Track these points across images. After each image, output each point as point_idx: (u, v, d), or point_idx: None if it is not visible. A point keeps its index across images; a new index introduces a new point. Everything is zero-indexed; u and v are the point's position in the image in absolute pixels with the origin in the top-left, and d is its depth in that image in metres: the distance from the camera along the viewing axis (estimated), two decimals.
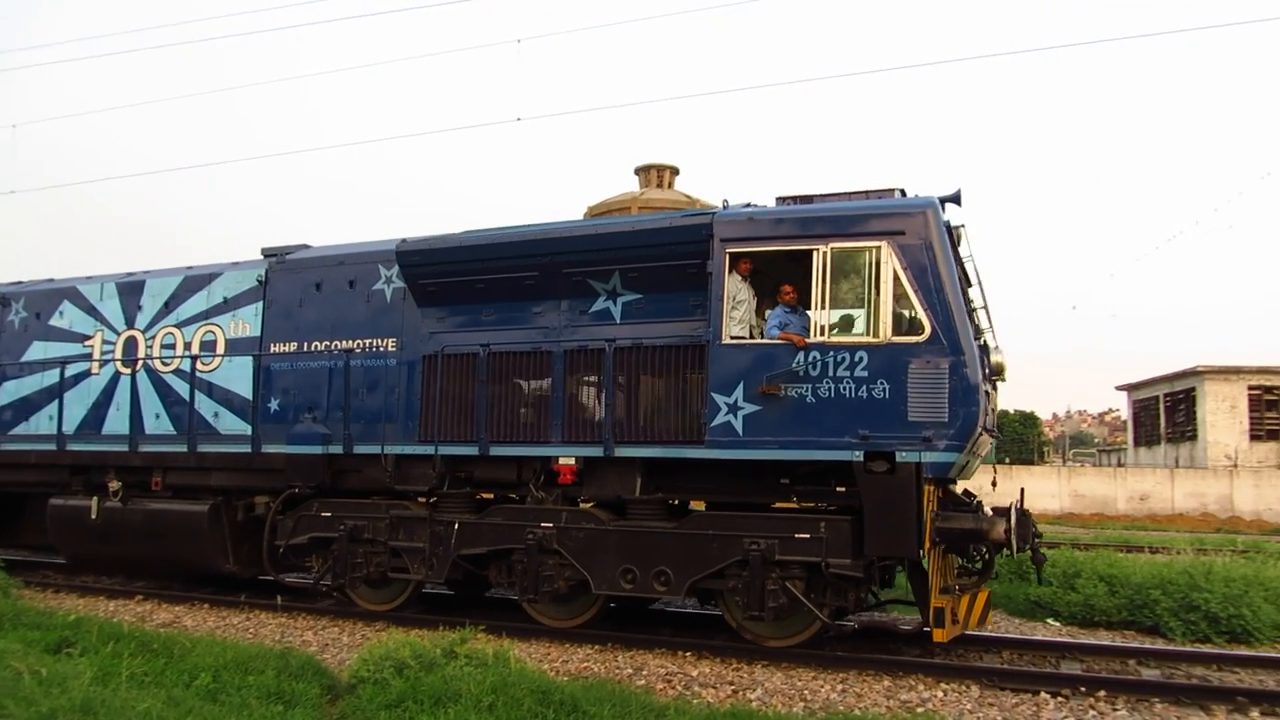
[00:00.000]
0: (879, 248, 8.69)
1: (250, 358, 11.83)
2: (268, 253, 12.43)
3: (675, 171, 39.21)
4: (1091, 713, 7.51)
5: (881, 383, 8.52)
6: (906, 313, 8.57)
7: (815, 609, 8.81)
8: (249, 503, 11.81)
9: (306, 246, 12.41)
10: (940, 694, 7.99)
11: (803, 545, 8.75)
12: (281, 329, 11.80)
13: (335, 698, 7.41)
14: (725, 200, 9.71)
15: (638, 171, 38.93)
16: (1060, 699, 7.85)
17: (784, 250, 9.15)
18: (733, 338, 9.11)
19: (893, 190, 9.36)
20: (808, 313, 9.20)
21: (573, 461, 9.78)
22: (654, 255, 9.63)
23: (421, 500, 10.85)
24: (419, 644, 7.75)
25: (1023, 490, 9.47)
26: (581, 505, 9.97)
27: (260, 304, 12.04)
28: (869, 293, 8.71)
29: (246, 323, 12.15)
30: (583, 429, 9.87)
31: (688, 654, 9.31)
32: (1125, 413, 54.14)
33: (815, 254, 8.91)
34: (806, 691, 8.10)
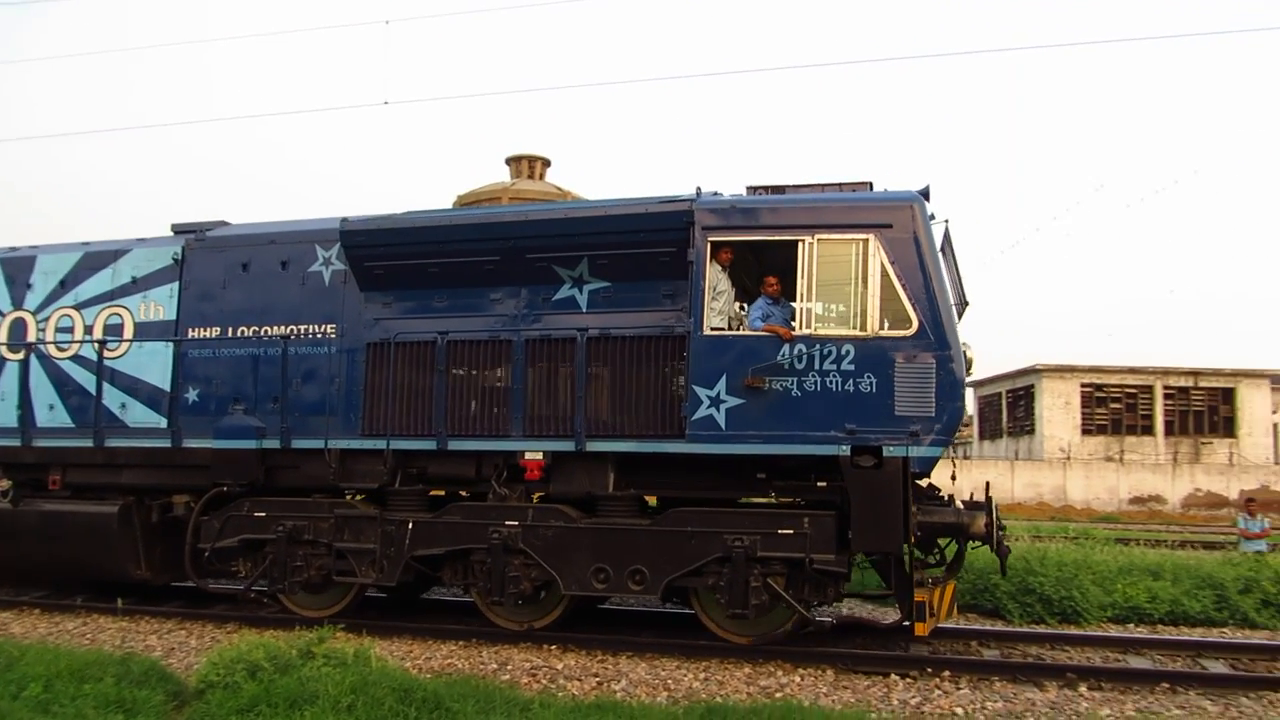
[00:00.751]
0: (866, 241, 8.59)
1: (165, 344, 10.83)
2: (180, 229, 11.41)
3: (547, 163, 38.88)
4: (937, 692, 7.94)
5: (868, 376, 8.43)
6: (893, 307, 8.50)
7: (798, 605, 8.66)
8: (166, 503, 10.81)
9: (225, 223, 11.46)
10: (798, 679, 8.29)
11: (786, 541, 8.59)
12: (202, 313, 10.84)
13: (182, 704, 7.16)
14: (699, 188, 9.44)
15: (509, 161, 38.48)
16: (909, 680, 8.26)
17: (768, 240, 8.96)
18: (713, 329, 8.85)
19: (867, 183, 9.30)
20: (790, 304, 9.05)
21: (540, 457, 9.32)
22: (627, 241, 9.27)
23: (360, 497, 10.19)
24: (274, 645, 7.49)
25: (988, 484, 9.59)
26: (536, 499, 9.55)
27: (175, 285, 11.02)
28: (856, 286, 8.60)
29: (159, 305, 11.11)
30: (548, 423, 9.43)
31: (553, 647, 9.31)
32: (971, 408, 57.02)
33: (801, 245, 8.74)
34: (670, 681, 8.22)
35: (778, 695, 7.76)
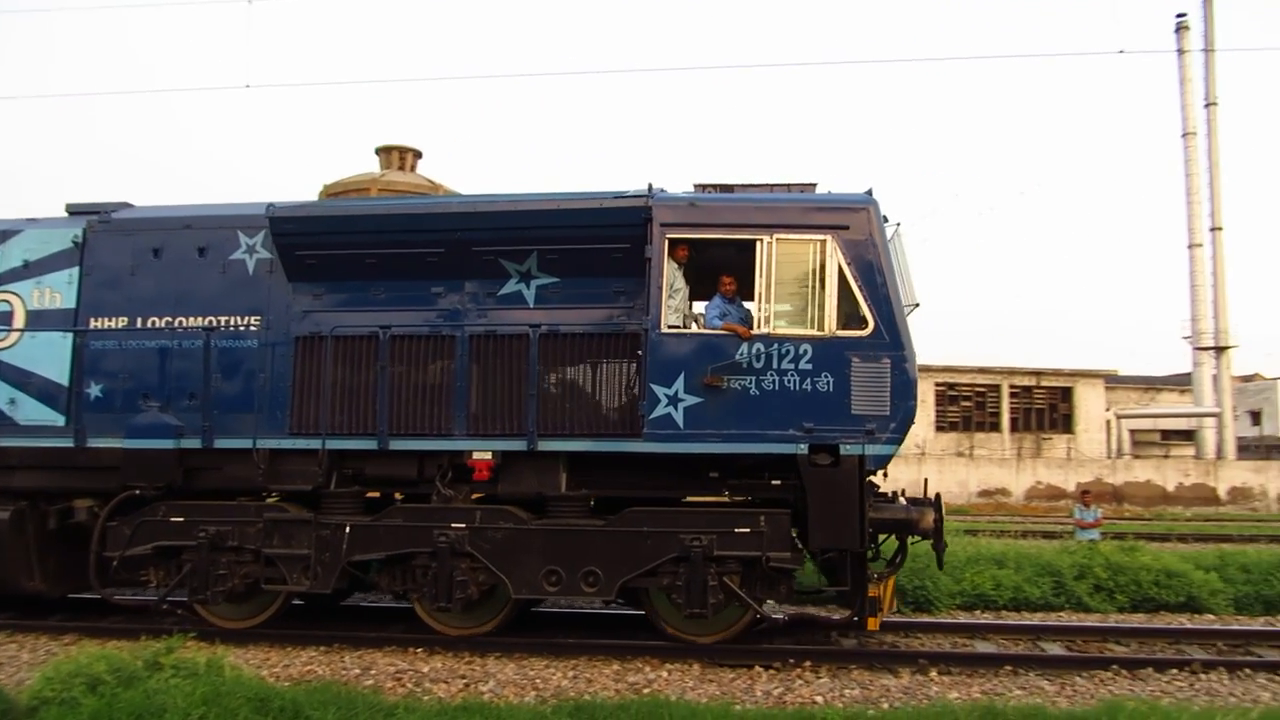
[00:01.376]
0: (824, 241, 8.71)
1: (63, 334, 9.96)
2: (77, 210, 10.54)
3: (418, 155, 38.14)
4: (799, 682, 8.23)
5: (825, 376, 8.56)
6: (850, 307, 8.65)
7: (754, 603, 8.73)
8: (65, 507, 9.93)
9: (128, 205, 10.65)
10: (665, 674, 8.45)
11: (743, 540, 8.62)
12: (106, 301, 10.02)
13: None
14: (650, 184, 9.36)
15: (379, 152, 37.57)
16: (773, 671, 8.52)
17: (726, 239, 8.94)
18: (671, 327, 8.80)
19: (812, 184, 9.45)
20: (745, 304, 9.09)
21: (489, 456, 9.05)
22: (580, 237, 9.10)
23: (274, 499, 9.67)
24: (117, 656, 7.15)
25: (926, 480, 9.90)
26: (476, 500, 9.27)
27: (76, 270, 10.14)
28: (813, 286, 8.71)
29: (56, 292, 10.20)
30: (493, 421, 9.16)
31: (419, 650, 9.17)
32: None
33: (759, 244, 8.78)
34: (539, 680, 8.24)
35: (645, 691, 7.87)
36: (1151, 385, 58.68)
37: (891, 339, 8.55)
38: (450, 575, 8.84)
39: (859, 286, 8.62)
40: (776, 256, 8.74)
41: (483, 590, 9.05)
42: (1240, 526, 28.78)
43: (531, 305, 9.38)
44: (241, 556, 9.32)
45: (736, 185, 9.52)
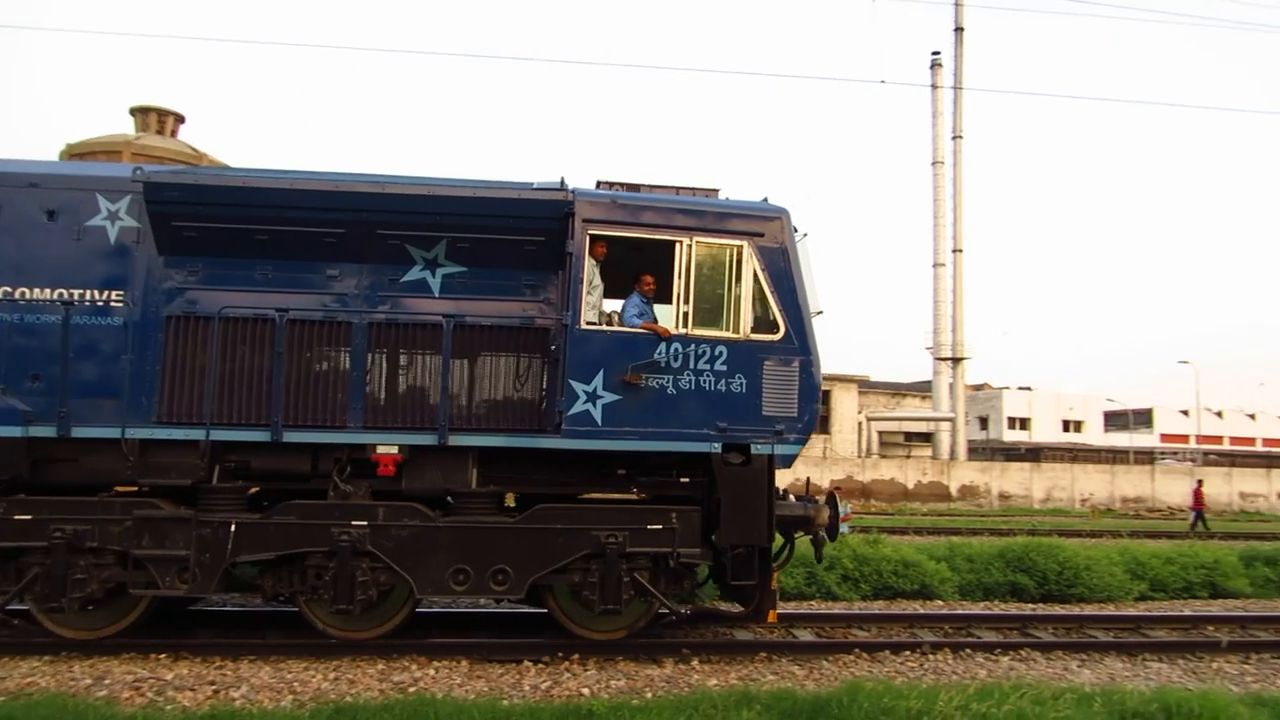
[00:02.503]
0: (741, 247, 9.00)
1: None
2: None
3: (180, 119, 35.54)
4: (567, 675, 8.42)
5: (739, 377, 8.85)
6: (762, 312, 8.99)
7: (665, 599, 8.88)
8: None
9: None
10: (433, 672, 8.36)
11: (654, 536, 8.76)
12: None
13: None
14: (563, 177, 9.30)
15: (134, 112, 34.76)
16: (541, 665, 8.69)
17: (646, 238, 9.02)
18: (589, 324, 8.78)
19: (716, 190, 9.72)
20: (657, 306, 9.22)
21: (395, 451, 8.65)
22: (496, 227, 8.89)
23: (119, 493, 8.78)
24: None
25: (809, 480, 10.44)
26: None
27: None
28: (729, 289, 8.98)
29: None
30: (394, 414, 8.79)
31: (162, 656, 8.60)
32: None
33: (679, 246, 8.94)
34: (297, 684, 7.95)
35: (411, 690, 7.75)
36: (898, 391, 64.06)
37: (800, 344, 8.97)
38: (353, 576, 8.38)
39: (771, 292, 8.97)
40: (695, 258, 8.93)
41: (383, 591, 8.65)
42: (968, 521, 32.50)
43: (437, 294, 9.06)
44: (102, 559, 8.37)
45: (642, 185, 9.61)
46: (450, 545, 8.58)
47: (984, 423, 72.64)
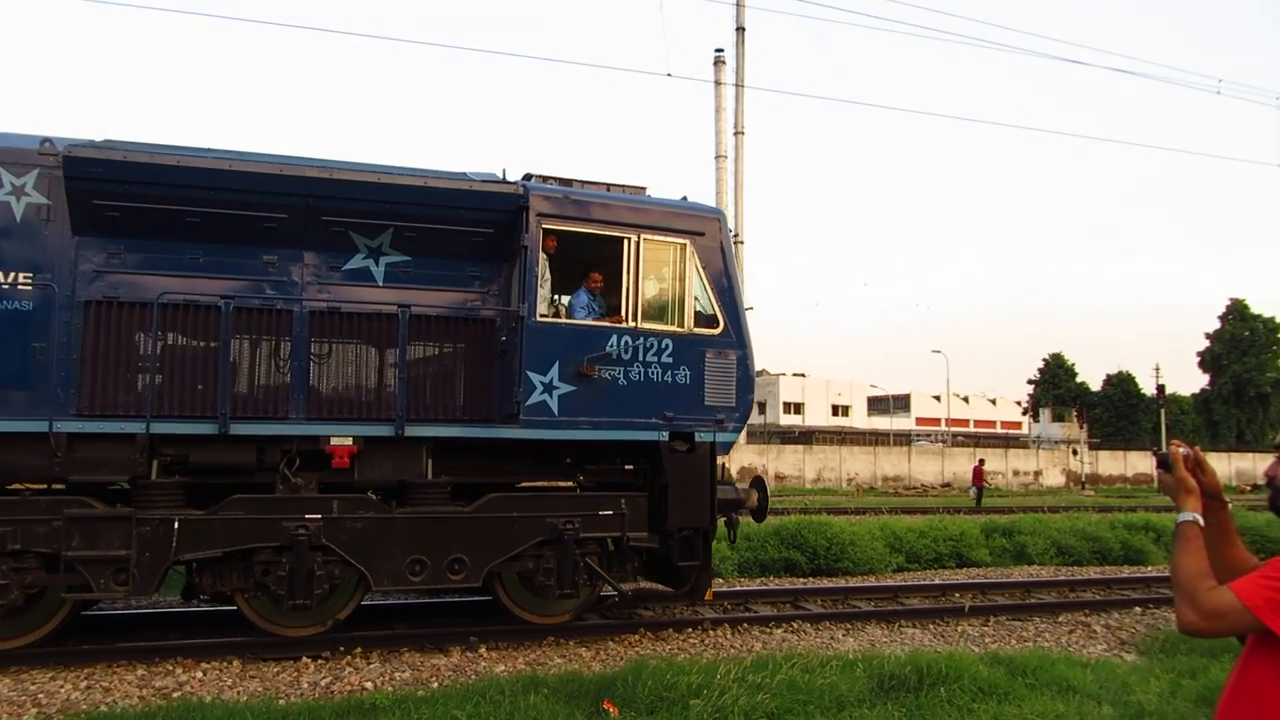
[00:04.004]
0: (684, 245, 9.44)
1: None
2: None
3: None
4: (349, 669, 8.08)
5: (684, 369, 9.32)
6: (704, 307, 9.48)
7: (613, 581, 9.22)
8: None
9: None
10: (200, 674, 7.82)
11: (605, 522, 9.08)
12: None
13: None
14: (529, 173, 9.42)
15: None
16: (320, 661, 8.29)
17: (596, 234, 9.26)
18: (542, 316, 8.95)
19: (643, 188, 10.12)
20: (598, 294, 9.50)
21: (350, 442, 8.47)
22: (444, 217, 8.88)
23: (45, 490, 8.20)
24: None
25: (724, 466, 11.02)
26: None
27: None
28: (674, 285, 9.40)
29: None
30: (344, 404, 8.63)
31: None
32: None
33: (627, 242, 9.26)
34: (42, 695, 7.20)
35: (175, 695, 7.21)
36: None
37: (738, 338, 9.55)
38: (310, 571, 8.17)
39: (711, 289, 9.49)
40: (643, 255, 9.29)
41: (334, 585, 8.48)
42: None
43: (380, 283, 8.95)
44: (24, 563, 7.71)
45: (574, 180, 9.83)
46: (407, 536, 8.53)
47: (762, 408, 76.63)
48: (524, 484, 9.63)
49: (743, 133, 42.96)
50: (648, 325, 9.23)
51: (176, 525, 7.96)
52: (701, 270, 9.46)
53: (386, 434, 8.54)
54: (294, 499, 8.35)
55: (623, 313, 9.23)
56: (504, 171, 9.49)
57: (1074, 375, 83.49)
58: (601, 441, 9.23)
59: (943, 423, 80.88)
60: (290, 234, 8.61)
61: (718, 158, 51.85)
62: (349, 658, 8.40)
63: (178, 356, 8.22)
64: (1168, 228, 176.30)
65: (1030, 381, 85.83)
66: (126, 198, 8.12)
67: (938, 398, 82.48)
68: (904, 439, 72.06)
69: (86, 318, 8.09)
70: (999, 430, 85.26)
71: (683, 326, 9.35)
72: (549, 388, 8.81)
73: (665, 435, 9.18)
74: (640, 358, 9.15)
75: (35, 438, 7.79)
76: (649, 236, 9.33)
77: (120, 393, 8.09)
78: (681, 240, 9.44)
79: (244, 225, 8.47)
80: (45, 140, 8.16)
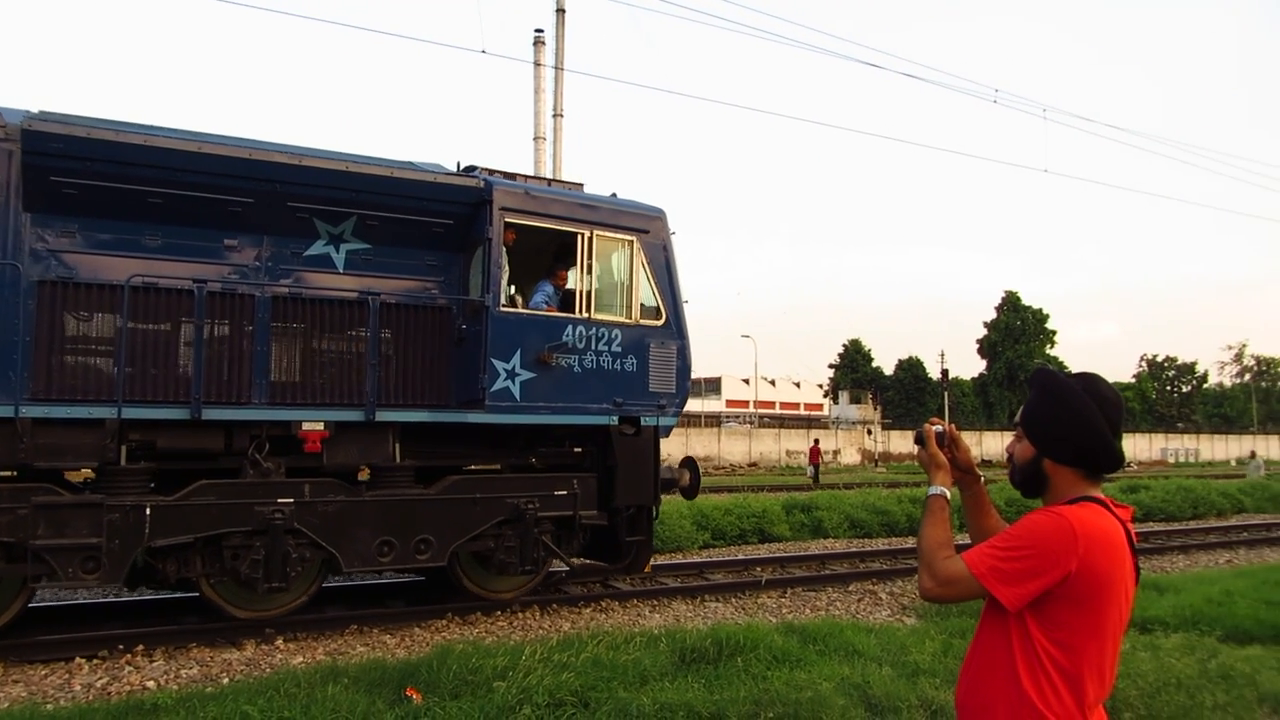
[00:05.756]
0: (632, 241, 10.04)
1: None
2: None
3: None
4: (129, 669, 7.64)
5: (631, 358, 9.94)
6: (649, 301, 10.13)
7: (564, 557, 9.76)
8: None
9: None
10: None
11: (560, 501, 9.60)
12: None
13: None
14: (459, 162, 9.71)
15: None
16: (97, 660, 7.83)
17: (552, 229, 9.69)
18: (504, 306, 9.33)
19: (581, 184, 10.65)
20: (561, 290, 9.97)
21: (321, 427, 8.57)
22: (408, 207, 9.11)
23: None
24: None
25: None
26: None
27: None
28: (622, 279, 9.99)
29: None
30: (308, 390, 8.72)
31: None
32: None
33: (580, 238, 9.76)
34: None
35: None
36: None
37: (678, 330, 10.26)
38: (285, 554, 8.25)
39: (655, 283, 10.14)
40: (595, 250, 9.82)
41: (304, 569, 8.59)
42: None
43: (341, 270, 9.07)
44: None
45: (518, 175, 10.23)
46: (376, 519, 8.74)
47: None
48: (473, 466, 9.97)
49: (562, 115, 43.18)
50: (599, 316, 9.78)
51: (149, 511, 7.86)
52: (646, 265, 10.09)
53: (357, 419, 8.70)
54: (265, 484, 8.39)
55: (576, 304, 9.74)
56: (459, 164, 9.78)
57: (870, 360, 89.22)
58: (556, 426, 9.71)
59: (751, 405, 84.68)
60: (254, 218, 8.59)
61: (536, 139, 51.79)
62: (129, 656, 7.89)
63: (144, 340, 8.06)
64: (952, 225, 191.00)
65: (831, 366, 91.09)
66: (87, 175, 7.89)
67: (746, 381, 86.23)
68: (714, 420, 75.04)
69: (40, 298, 7.81)
70: (803, 412, 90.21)
71: (630, 318, 9.96)
72: (511, 374, 9.22)
73: (615, 419, 9.78)
74: (593, 347, 9.69)
75: None
76: (600, 233, 9.87)
77: (80, 376, 7.88)
78: (629, 236, 10.03)
79: (208, 208, 8.39)
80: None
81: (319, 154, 8.81)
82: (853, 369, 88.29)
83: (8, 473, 7.92)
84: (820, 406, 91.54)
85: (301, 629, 8.79)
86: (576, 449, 10.18)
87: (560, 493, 9.59)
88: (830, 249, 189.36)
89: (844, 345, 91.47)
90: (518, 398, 9.22)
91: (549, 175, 51.42)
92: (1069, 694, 2.35)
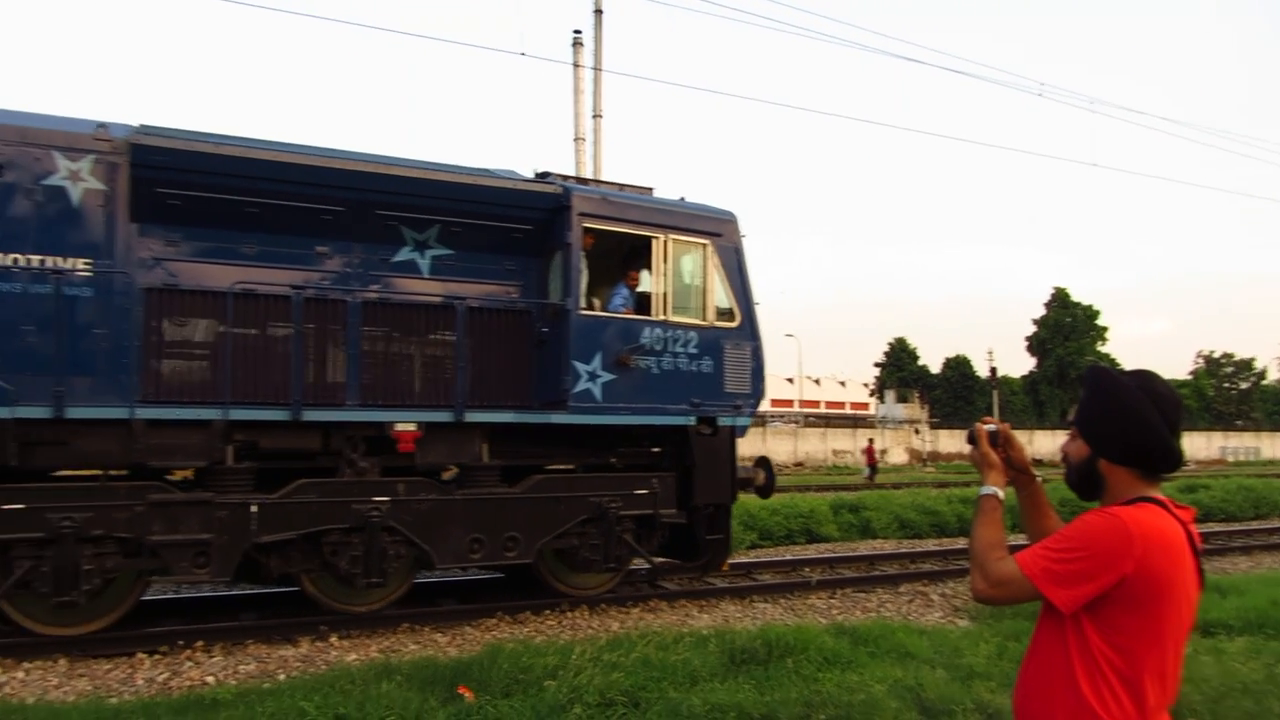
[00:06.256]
0: (706, 245, 10.22)
1: None
2: None
3: None
4: (188, 664, 7.78)
5: (707, 359, 10.12)
6: (723, 303, 10.30)
7: (645, 554, 9.97)
8: None
9: None
10: (22, 675, 7.38)
11: (641, 500, 9.81)
12: None
13: None
14: (544, 170, 9.96)
15: None
16: (158, 656, 7.95)
17: (629, 233, 9.91)
18: (584, 310, 9.56)
19: (650, 189, 10.82)
20: (634, 292, 10.18)
21: (414, 428, 8.87)
22: (490, 214, 9.38)
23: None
24: None
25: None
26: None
27: None
28: (698, 282, 10.19)
29: None
30: (400, 392, 9.04)
31: None
32: None
33: (656, 242, 9.97)
34: None
35: None
36: None
37: (752, 331, 10.43)
38: (383, 550, 8.56)
39: (728, 285, 10.32)
40: (670, 253, 10.02)
41: (402, 564, 8.89)
42: None
43: (426, 275, 9.37)
44: (104, 548, 7.80)
45: (590, 181, 10.47)
46: (466, 516, 9.02)
47: None
48: (552, 466, 10.21)
49: (601, 116, 42.52)
50: (676, 319, 9.98)
51: (254, 509, 8.20)
52: (720, 268, 10.27)
53: (447, 419, 8.98)
54: (362, 482, 8.70)
55: (653, 307, 9.94)
56: (539, 171, 10.05)
57: (916, 358, 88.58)
58: (633, 425, 9.92)
59: (796, 404, 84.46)
60: (344, 226, 8.90)
61: (576, 140, 51.58)
62: (189, 651, 8.03)
63: (246, 344, 8.40)
64: (998, 220, 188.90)
65: (877, 364, 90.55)
66: (190, 186, 8.26)
67: (791, 380, 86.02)
68: (759, 420, 74.98)
69: (148, 305, 8.18)
70: (848, 411, 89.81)
71: (705, 320, 10.14)
72: (593, 376, 9.45)
73: (693, 420, 9.98)
74: (670, 348, 9.89)
75: (109, 424, 7.87)
76: (675, 237, 10.07)
77: (187, 379, 8.24)
78: (703, 240, 10.22)
79: (302, 216, 8.72)
80: (100, 125, 8.17)
81: (405, 163, 9.11)
82: (899, 367, 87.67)
83: (119, 472, 8.32)
84: (866, 405, 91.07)
85: (354, 627, 8.87)
86: (654, 448, 10.38)
87: (641, 492, 9.80)
88: (873, 246, 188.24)
89: (889, 343, 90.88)
90: (599, 399, 9.45)
91: (590, 176, 51.96)
92: (1129, 699, 2.29)
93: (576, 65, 49.78)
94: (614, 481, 9.81)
